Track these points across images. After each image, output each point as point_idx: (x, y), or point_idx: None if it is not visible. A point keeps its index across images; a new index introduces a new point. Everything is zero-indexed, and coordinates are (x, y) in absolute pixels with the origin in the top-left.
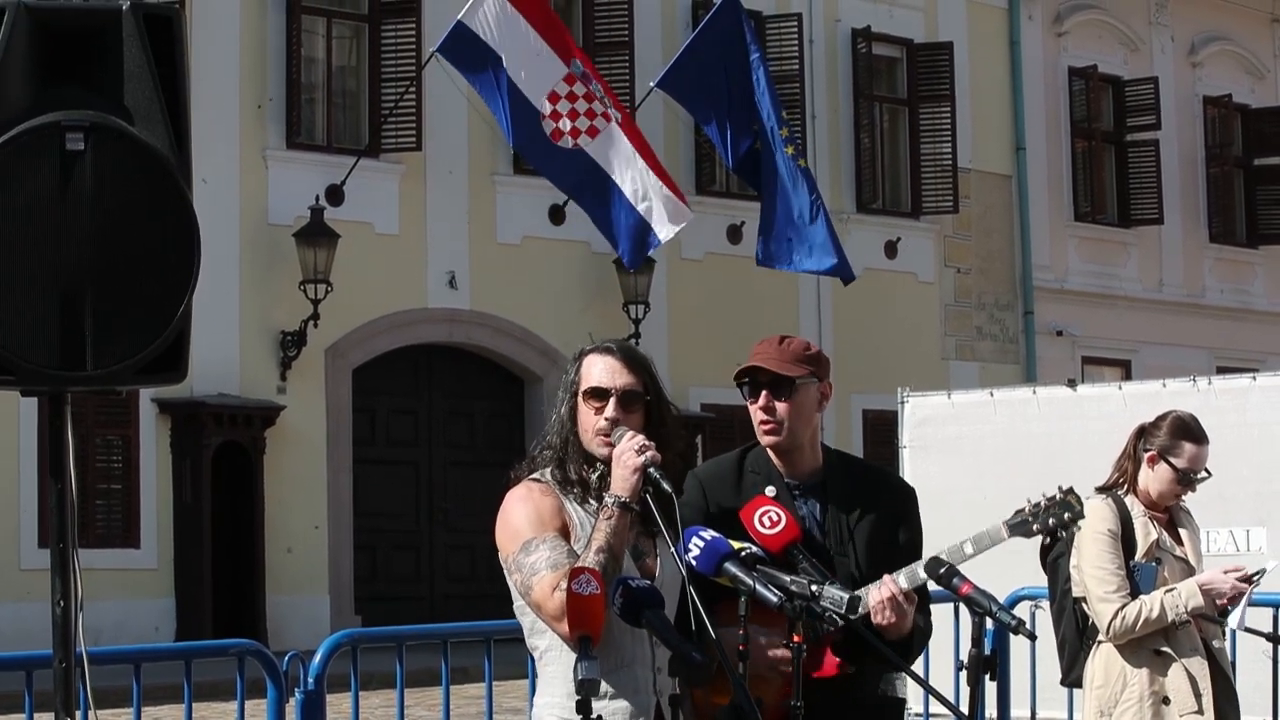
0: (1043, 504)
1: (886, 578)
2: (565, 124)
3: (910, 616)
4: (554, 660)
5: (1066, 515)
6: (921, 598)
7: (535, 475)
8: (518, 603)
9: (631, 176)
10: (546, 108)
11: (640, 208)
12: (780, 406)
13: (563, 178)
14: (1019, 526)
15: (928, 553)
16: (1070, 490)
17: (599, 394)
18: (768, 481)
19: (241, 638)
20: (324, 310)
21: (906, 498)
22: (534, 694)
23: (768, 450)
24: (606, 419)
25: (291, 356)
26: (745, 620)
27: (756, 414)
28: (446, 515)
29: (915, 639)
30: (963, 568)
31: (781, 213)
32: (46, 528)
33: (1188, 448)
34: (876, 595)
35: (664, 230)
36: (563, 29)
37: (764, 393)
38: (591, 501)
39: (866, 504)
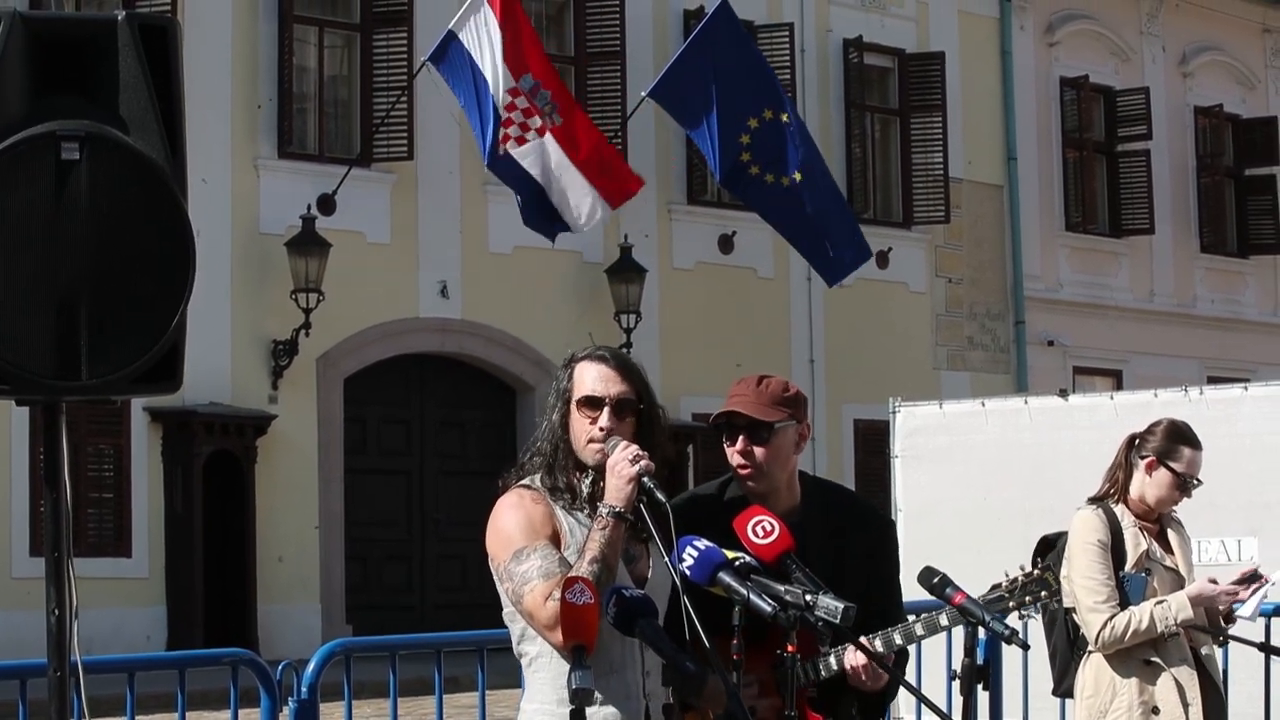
0: (1020, 580)
1: (863, 641)
2: (513, 130)
3: (884, 678)
4: (544, 667)
5: (1043, 593)
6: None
7: (525, 482)
8: (507, 610)
9: (553, 181)
10: (502, 115)
11: (555, 199)
12: (758, 451)
13: (514, 184)
14: (995, 603)
15: (919, 565)
16: (1048, 567)
17: (593, 403)
18: None
19: (232, 646)
20: (315, 319)
21: (884, 532)
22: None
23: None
24: (601, 428)
25: (283, 365)
26: (739, 630)
27: (734, 458)
28: (438, 525)
29: (889, 691)
30: (955, 578)
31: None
32: (38, 536)
33: (1186, 452)
34: (852, 660)
35: (577, 221)
36: (532, 41)
37: (741, 437)
38: (581, 509)
39: (843, 544)
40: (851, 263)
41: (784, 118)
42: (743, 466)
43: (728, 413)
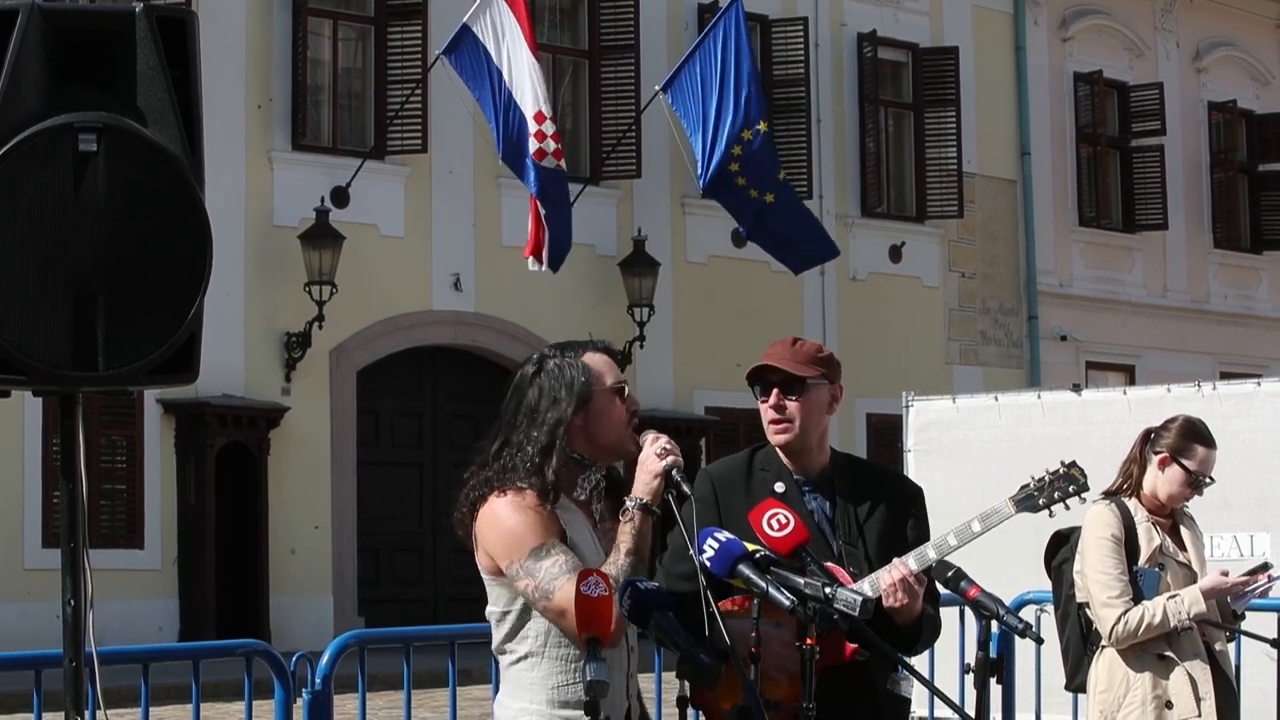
0: (1047, 479)
1: (896, 560)
2: (549, 144)
3: (920, 599)
4: (533, 667)
5: (1071, 488)
6: (929, 592)
7: (520, 485)
8: (495, 609)
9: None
10: (533, 127)
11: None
12: (791, 405)
13: (540, 190)
14: (1025, 502)
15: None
16: (1073, 464)
17: (624, 390)
18: (777, 478)
19: (244, 638)
20: (329, 312)
21: (914, 496)
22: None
23: (777, 449)
24: (633, 412)
25: (296, 358)
26: (758, 622)
27: (767, 413)
28: (450, 518)
29: (924, 626)
30: (970, 572)
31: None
32: (50, 528)
33: (1199, 450)
34: (888, 578)
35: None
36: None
37: (775, 391)
38: (568, 502)
39: (875, 499)
40: (819, 258)
41: (761, 127)
42: (775, 421)
43: (762, 368)
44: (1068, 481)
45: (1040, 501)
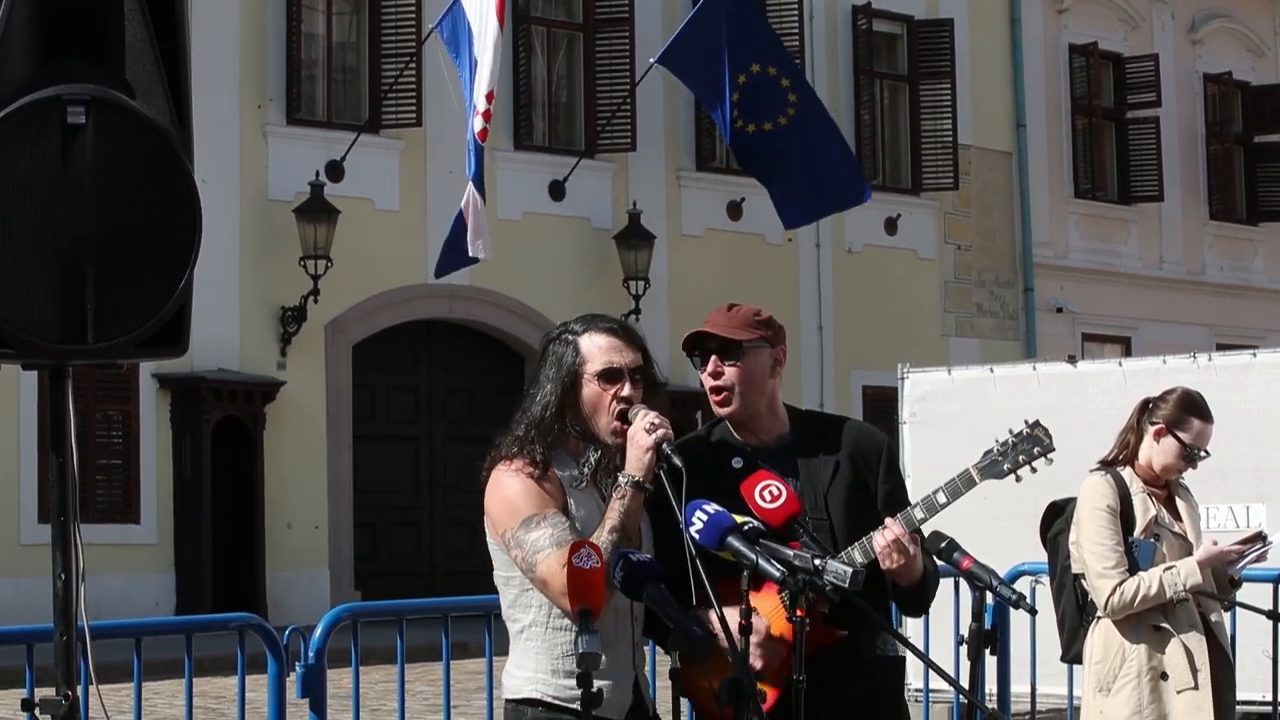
0: (1010, 441)
1: (888, 520)
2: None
3: (919, 558)
4: (538, 636)
5: (1036, 449)
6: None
7: (515, 450)
8: (500, 574)
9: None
10: (482, 105)
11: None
12: (729, 372)
13: (475, 174)
14: (989, 468)
15: (928, 530)
16: (1037, 424)
17: (613, 375)
18: (732, 454)
19: (241, 612)
20: (324, 286)
21: (880, 448)
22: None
23: (727, 423)
24: (622, 399)
25: (292, 332)
26: (747, 595)
27: (706, 382)
28: (446, 491)
29: (930, 586)
30: (964, 543)
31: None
32: (46, 503)
33: (1195, 423)
34: (881, 540)
35: (475, 249)
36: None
37: (713, 358)
38: (577, 474)
39: (838, 462)
40: (850, 199)
41: (771, 71)
42: (715, 390)
43: (698, 335)
44: (1032, 443)
45: (1005, 466)
